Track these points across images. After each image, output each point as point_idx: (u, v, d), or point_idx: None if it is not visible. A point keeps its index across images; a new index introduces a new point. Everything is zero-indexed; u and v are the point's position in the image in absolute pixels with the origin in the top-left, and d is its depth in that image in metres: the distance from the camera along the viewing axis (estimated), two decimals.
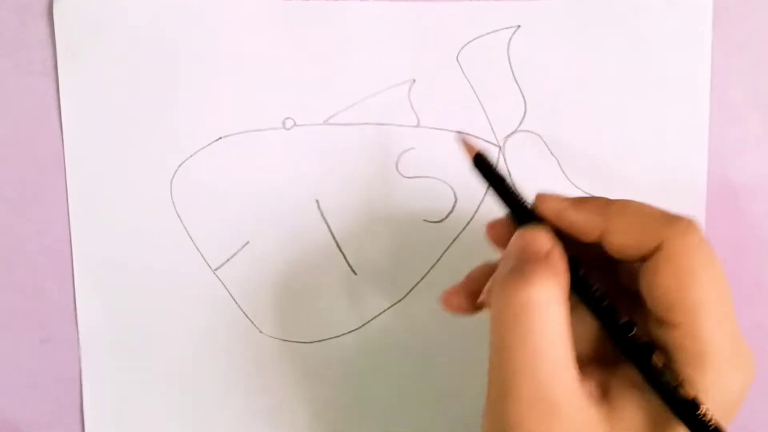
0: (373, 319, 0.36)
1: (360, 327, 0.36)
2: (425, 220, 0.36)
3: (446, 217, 0.36)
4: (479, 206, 0.36)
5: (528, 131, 0.35)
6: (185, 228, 0.36)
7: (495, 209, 0.35)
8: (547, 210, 0.26)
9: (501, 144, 0.35)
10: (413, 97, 0.35)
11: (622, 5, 0.35)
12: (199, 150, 0.35)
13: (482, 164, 0.29)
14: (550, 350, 0.23)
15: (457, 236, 0.36)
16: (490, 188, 0.28)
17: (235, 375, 0.36)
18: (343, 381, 0.36)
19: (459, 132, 0.33)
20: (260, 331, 0.36)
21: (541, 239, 0.25)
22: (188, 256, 0.36)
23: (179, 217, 0.36)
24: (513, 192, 0.28)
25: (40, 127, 0.36)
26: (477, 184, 0.36)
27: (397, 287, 0.36)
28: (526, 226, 0.26)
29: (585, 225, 0.25)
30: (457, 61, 0.35)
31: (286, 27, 0.35)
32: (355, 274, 0.36)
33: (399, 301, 0.36)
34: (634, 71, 0.35)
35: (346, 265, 0.36)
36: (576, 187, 0.35)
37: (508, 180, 0.28)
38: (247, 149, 0.35)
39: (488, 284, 0.27)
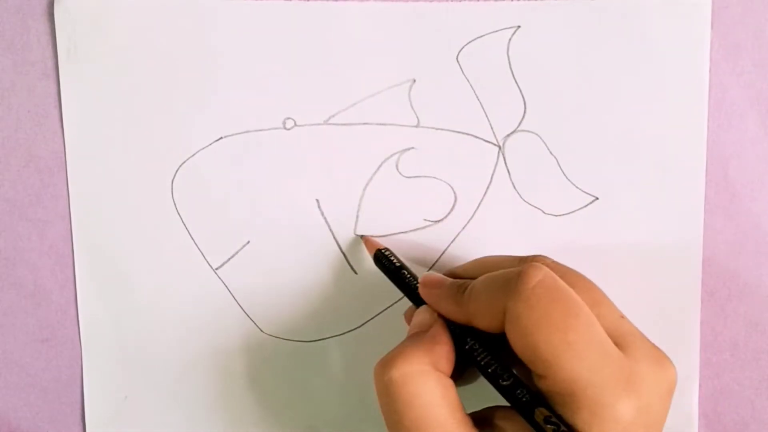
0: (373, 318, 0.36)
1: (360, 326, 0.36)
2: (425, 220, 0.36)
3: (446, 216, 0.36)
4: (479, 206, 0.36)
5: (528, 131, 0.35)
6: (186, 227, 0.36)
7: (495, 209, 0.36)
8: (426, 299, 0.30)
9: (501, 144, 0.35)
10: (413, 97, 0.35)
11: (622, 5, 0.35)
12: (199, 150, 0.35)
13: (382, 258, 0.33)
14: (432, 414, 0.25)
15: (457, 236, 0.36)
16: (390, 279, 0.33)
17: (235, 374, 0.36)
18: (344, 380, 0.36)
19: (359, 235, 0.36)
20: (261, 330, 0.36)
21: (425, 317, 0.29)
22: (189, 256, 0.36)
23: (180, 216, 0.36)
24: (408, 281, 0.32)
25: (40, 127, 0.36)
26: (477, 184, 0.36)
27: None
28: (419, 308, 0.30)
29: (451, 315, 0.28)
30: (457, 61, 0.35)
31: (287, 27, 0.35)
32: (356, 273, 0.36)
33: (399, 300, 0.36)
34: (633, 71, 0.35)
35: (347, 264, 0.36)
36: (576, 186, 0.35)
37: (407, 270, 0.32)
38: (247, 149, 0.35)
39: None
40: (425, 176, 0.36)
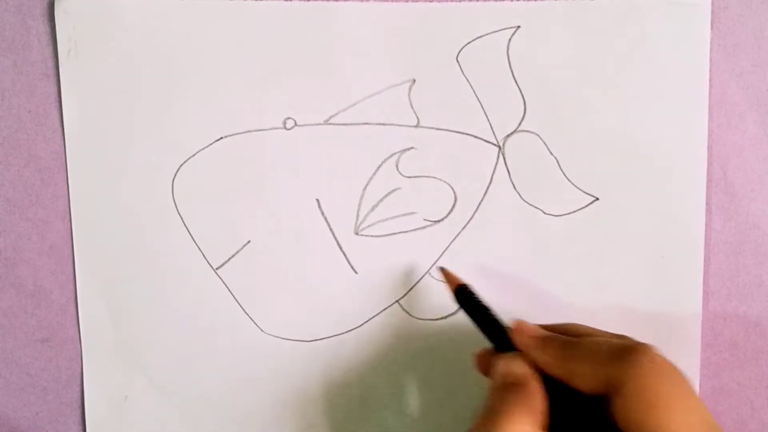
0: (372, 318, 0.36)
1: (360, 326, 0.36)
2: (425, 220, 0.36)
3: (446, 216, 0.36)
4: (479, 206, 0.36)
5: (528, 131, 0.35)
6: (186, 227, 0.36)
7: (495, 209, 0.36)
8: (520, 345, 0.29)
9: (501, 144, 0.35)
10: (413, 97, 0.35)
11: (622, 6, 0.35)
12: (200, 150, 0.35)
13: (464, 296, 0.32)
14: None
15: (457, 236, 0.36)
16: (472, 319, 0.31)
17: (235, 374, 0.36)
18: (344, 379, 0.36)
19: (440, 267, 0.34)
20: (261, 330, 0.36)
21: (519, 368, 0.28)
22: (189, 256, 0.36)
23: (180, 216, 0.36)
24: (496, 322, 0.30)
25: (40, 127, 0.36)
26: (477, 184, 0.36)
27: (397, 286, 0.36)
28: (507, 354, 0.29)
29: (549, 367, 0.28)
30: (457, 61, 0.35)
31: (287, 27, 0.35)
32: (356, 273, 0.36)
33: (399, 300, 0.36)
34: (634, 71, 0.35)
35: (347, 264, 0.36)
36: (576, 186, 0.35)
37: (491, 310, 0.31)
38: (247, 149, 0.35)
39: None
40: (425, 176, 0.36)
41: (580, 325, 0.31)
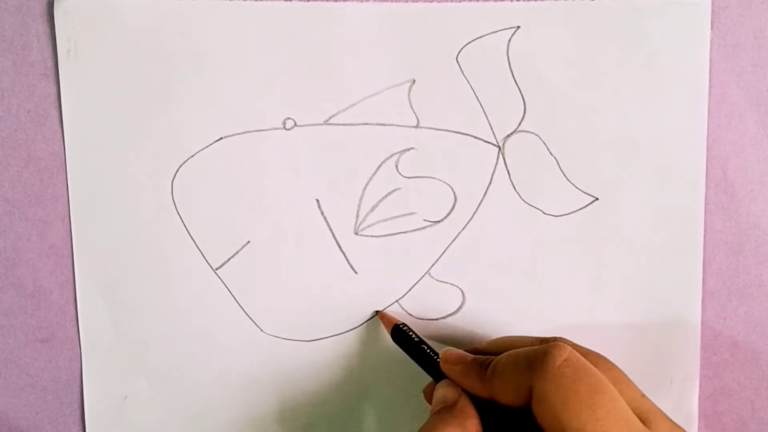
0: (372, 318, 0.36)
1: (360, 326, 0.36)
2: (425, 220, 0.36)
3: (446, 217, 0.36)
4: (479, 206, 0.36)
5: (527, 131, 0.35)
6: (186, 228, 0.36)
7: (495, 210, 0.36)
8: (448, 374, 0.30)
9: (500, 144, 0.35)
10: (413, 97, 0.35)
11: (622, 6, 0.35)
12: (199, 150, 0.35)
13: (400, 334, 0.34)
14: None
15: (457, 236, 0.36)
16: (408, 354, 0.33)
17: (235, 374, 0.36)
18: (343, 379, 0.36)
19: (377, 311, 0.36)
20: (261, 330, 0.36)
21: (449, 392, 0.29)
22: (189, 256, 0.36)
23: (180, 216, 0.36)
24: (428, 356, 0.32)
25: (40, 127, 0.36)
26: (477, 185, 0.36)
27: (397, 286, 0.36)
28: (440, 383, 0.31)
29: (474, 391, 0.29)
30: (457, 61, 0.35)
31: (287, 27, 0.35)
32: (356, 273, 0.36)
33: (399, 300, 0.36)
34: (633, 71, 0.35)
35: (347, 264, 0.36)
36: (576, 187, 0.35)
37: (425, 344, 0.33)
38: (247, 149, 0.35)
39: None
40: (425, 176, 0.36)
41: (512, 337, 0.33)
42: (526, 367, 0.27)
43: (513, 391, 0.27)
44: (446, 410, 0.29)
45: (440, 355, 0.31)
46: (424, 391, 0.33)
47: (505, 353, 0.29)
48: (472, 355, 0.30)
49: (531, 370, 0.27)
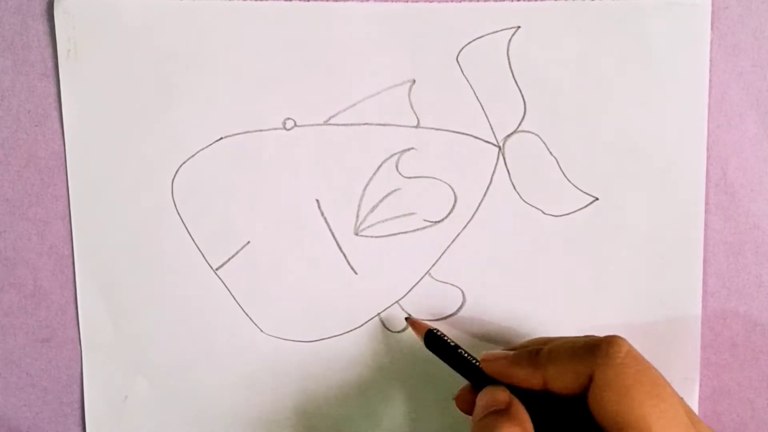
0: (372, 318, 0.36)
1: (360, 326, 0.36)
2: (425, 220, 0.36)
3: (446, 217, 0.36)
4: (479, 206, 0.36)
5: (527, 131, 0.35)
6: (186, 228, 0.36)
7: (495, 210, 0.36)
8: (493, 372, 0.30)
9: (501, 144, 0.35)
10: (413, 97, 0.35)
11: (622, 6, 0.35)
12: (199, 150, 0.35)
13: (434, 339, 0.33)
14: None
15: (457, 236, 0.36)
16: (444, 361, 0.32)
17: (235, 374, 0.36)
18: (343, 380, 0.36)
19: (407, 317, 0.36)
20: (261, 330, 0.36)
21: (499, 395, 0.29)
22: (189, 256, 0.36)
23: (180, 217, 0.36)
24: (467, 360, 0.31)
25: (40, 127, 0.36)
26: (477, 185, 0.36)
27: (397, 286, 0.36)
28: (485, 387, 0.30)
29: (525, 380, 0.29)
30: (457, 61, 0.35)
31: (287, 27, 0.35)
32: (356, 273, 0.36)
33: (399, 300, 0.36)
34: (633, 71, 0.35)
35: (347, 265, 0.36)
36: (576, 187, 0.35)
37: (461, 349, 0.32)
38: (247, 149, 0.35)
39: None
40: (425, 176, 0.36)
41: (544, 337, 0.33)
42: (588, 354, 0.27)
43: (570, 377, 0.27)
44: (500, 413, 0.28)
45: (481, 357, 0.31)
46: (457, 398, 0.32)
47: (557, 340, 0.29)
48: (514, 351, 0.30)
49: (593, 357, 0.27)
